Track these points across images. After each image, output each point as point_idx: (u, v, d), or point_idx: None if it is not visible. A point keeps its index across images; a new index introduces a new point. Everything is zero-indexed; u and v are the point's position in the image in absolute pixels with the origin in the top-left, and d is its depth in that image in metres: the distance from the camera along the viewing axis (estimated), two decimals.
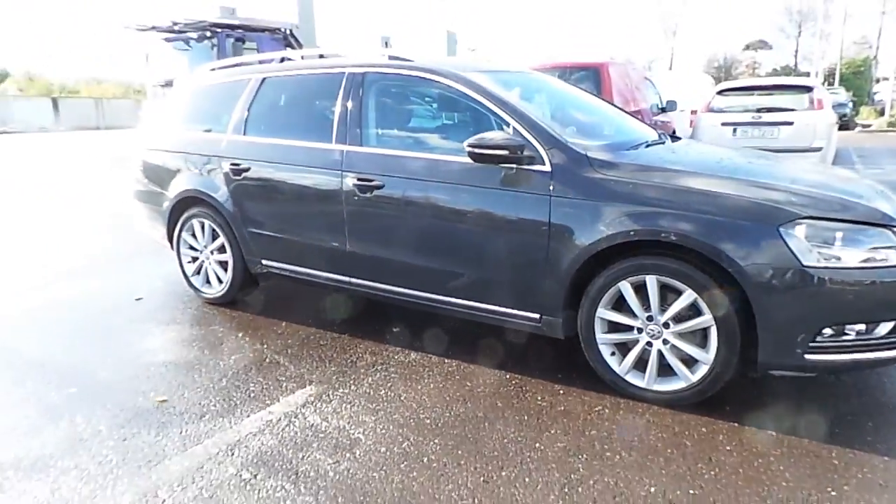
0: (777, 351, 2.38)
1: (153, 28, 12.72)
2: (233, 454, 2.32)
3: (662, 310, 2.55)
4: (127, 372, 3.05)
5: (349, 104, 3.33)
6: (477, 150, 2.74)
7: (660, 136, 3.63)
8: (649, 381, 2.64)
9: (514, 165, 2.78)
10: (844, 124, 22.42)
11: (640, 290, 2.58)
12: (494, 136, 2.75)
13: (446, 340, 3.33)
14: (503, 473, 2.17)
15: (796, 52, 50.19)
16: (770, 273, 2.32)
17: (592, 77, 8.66)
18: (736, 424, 2.46)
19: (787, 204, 2.39)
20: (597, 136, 3.37)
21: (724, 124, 8.25)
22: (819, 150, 7.74)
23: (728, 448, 2.31)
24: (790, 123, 7.85)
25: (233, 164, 3.70)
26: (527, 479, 2.13)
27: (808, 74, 37.49)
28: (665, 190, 2.55)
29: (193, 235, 4.05)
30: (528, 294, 2.84)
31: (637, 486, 2.09)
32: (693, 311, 2.49)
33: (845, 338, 2.37)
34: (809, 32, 46.03)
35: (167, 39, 12.67)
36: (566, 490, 2.07)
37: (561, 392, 2.77)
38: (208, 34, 12.08)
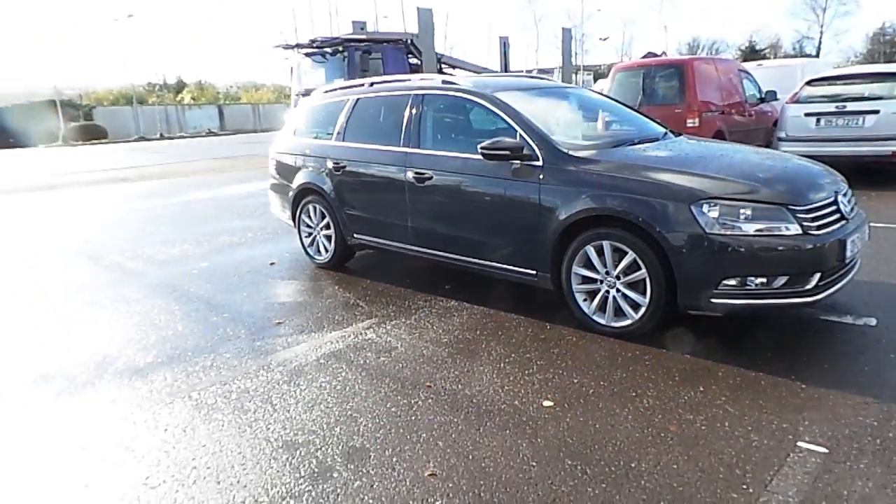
0: (690, 296, 3.24)
1: (296, 46, 14.89)
2: (317, 351, 3.61)
3: (615, 266, 3.48)
4: (260, 306, 4.50)
5: (411, 117, 4.52)
6: (487, 151, 3.81)
7: (664, 134, 4.44)
8: (608, 319, 3.58)
9: (518, 161, 3.82)
10: None
11: (601, 252, 3.52)
12: (501, 140, 3.80)
13: (479, 293, 4.43)
14: (480, 368, 3.26)
15: None
16: (683, 239, 3.18)
17: (677, 74, 9.21)
18: (664, 350, 3.35)
19: (699, 188, 3.23)
20: (593, 137, 4.30)
21: (807, 115, 8.43)
22: None
23: (647, 363, 3.21)
24: (875, 112, 7.89)
25: (335, 163, 5.05)
26: (495, 372, 3.21)
27: None
28: (617, 179, 3.47)
29: (309, 216, 5.47)
30: (527, 256, 3.87)
31: (567, 378, 3.09)
32: (635, 267, 3.40)
33: (748, 287, 3.17)
34: None
35: (307, 54, 14.76)
36: (518, 377, 3.12)
37: (547, 327, 3.78)
38: (340, 49, 13.95)
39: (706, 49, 58.19)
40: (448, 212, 4.30)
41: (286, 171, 5.66)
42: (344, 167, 4.98)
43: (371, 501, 2.21)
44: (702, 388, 2.90)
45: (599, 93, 5.46)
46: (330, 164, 5.09)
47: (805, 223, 3.14)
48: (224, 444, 2.65)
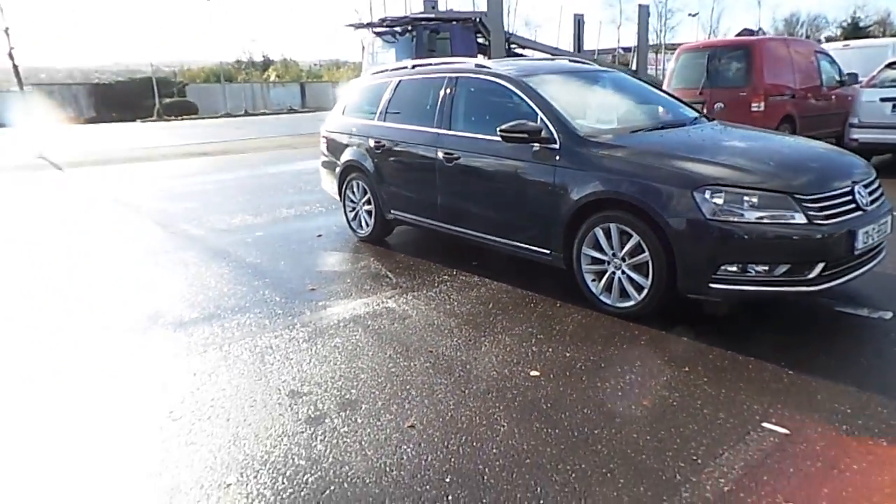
0: (690, 279, 3.32)
1: (368, 25, 15.30)
2: (339, 315, 3.94)
3: (621, 249, 3.58)
4: (298, 273, 4.88)
5: (444, 99, 4.73)
6: (506, 134, 3.97)
7: (693, 119, 4.44)
8: (613, 299, 3.69)
9: (537, 144, 3.96)
10: None
11: (609, 234, 3.63)
12: (520, 123, 3.94)
13: (502, 270, 4.62)
14: (482, 339, 3.48)
15: None
16: (684, 223, 3.25)
17: (745, 56, 8.89)
18: (663, 332, 3.44)
19: (702, 174, 3.28)
20: (617, 121, 4.35)
21: (883, 100, 7.97)
22: None
23: (642, 343, 3.33)
24: None
25: (375, 142, 5.34)
26: (495, 342, 3.42)
27: None
28: (627, 163, 3.56)
29: (353, 192, 5.81)
30: (542, 236, 4.02)
31: (560, 352, 3.26)
32: (639, 249, 3.49)
33: (748, 274, 3.21)
34: None
35: (378, 34, 15.14)
36: (515, 349, 3.32)
37: (557, 305, 3.94)
38: (409, 28, 14.23)
39: (806, 25, 54.43)
40: (473, 191, 4.50)
41: (335, 149, 6.01)
42: (383, 146, 5.26)
43: (353, 443, 2.50)
44: (687, 369, 3.00)
45: (638, 77, 5.44)
46: (371, 143, 5.38)
47: (811, 212, 3.13)
48: (241, 388, 3.01)
